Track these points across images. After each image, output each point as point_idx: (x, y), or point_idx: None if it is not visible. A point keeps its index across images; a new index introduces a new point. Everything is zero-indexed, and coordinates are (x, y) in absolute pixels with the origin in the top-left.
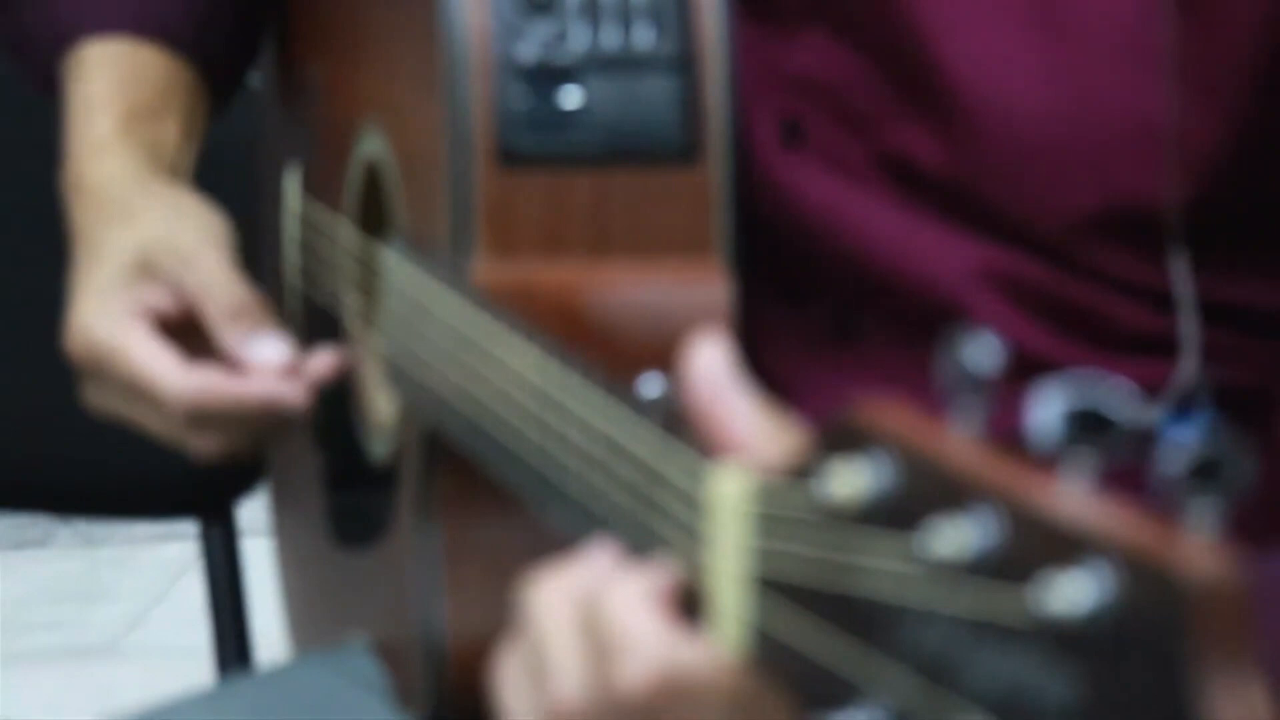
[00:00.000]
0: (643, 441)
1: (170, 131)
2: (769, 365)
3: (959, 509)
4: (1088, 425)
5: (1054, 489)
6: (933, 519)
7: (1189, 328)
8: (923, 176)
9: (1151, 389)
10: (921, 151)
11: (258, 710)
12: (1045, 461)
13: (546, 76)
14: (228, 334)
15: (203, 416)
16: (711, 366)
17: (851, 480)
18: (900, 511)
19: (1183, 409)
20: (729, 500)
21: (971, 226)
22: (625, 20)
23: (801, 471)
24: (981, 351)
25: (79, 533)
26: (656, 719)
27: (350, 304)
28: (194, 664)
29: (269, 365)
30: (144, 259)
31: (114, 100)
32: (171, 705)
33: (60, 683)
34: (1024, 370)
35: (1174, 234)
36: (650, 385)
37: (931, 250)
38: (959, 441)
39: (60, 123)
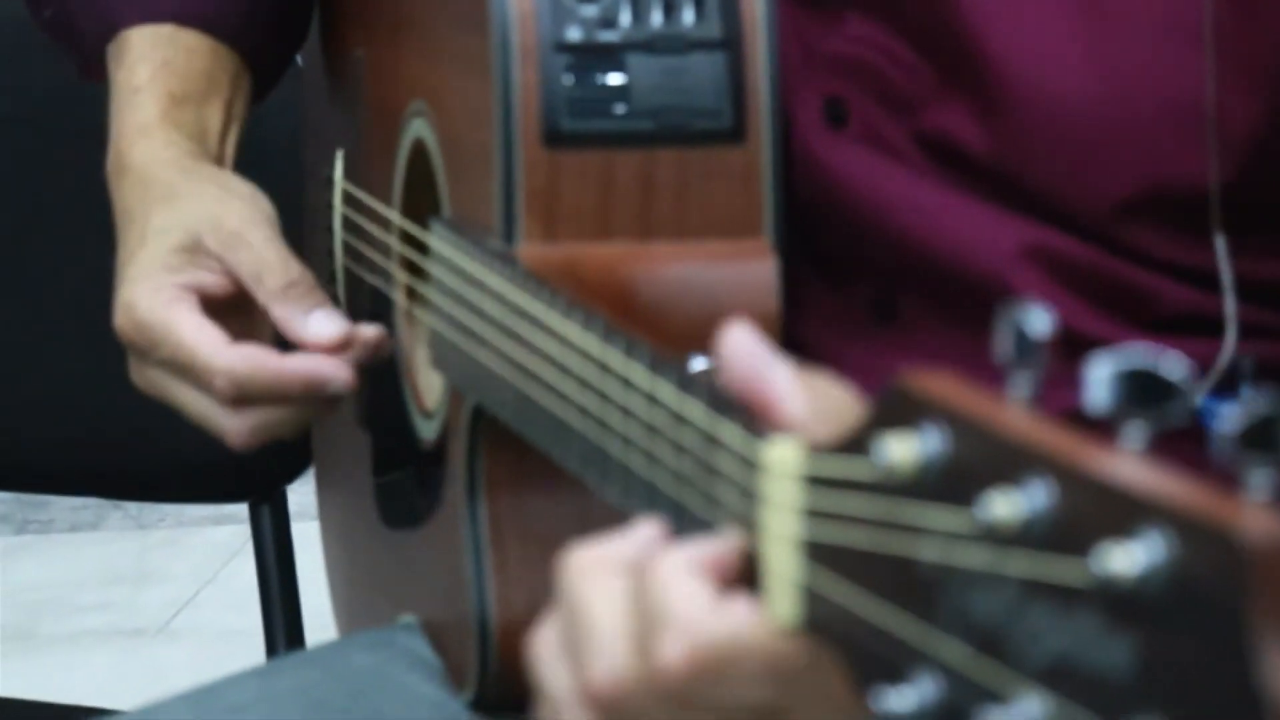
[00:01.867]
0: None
1: (214, 117)
2: (809, 345)
3: (1014, 476)
4: (1142, 389)
5: (1110, 455)
6: (988, 486)
7: (1232, 307)
8: (964, 157)
9: (1194, 368)
10: (963, 132)
11: (307, 688)
12: (1100, 430)
13: (592, 57)
14: (282, 310)
15: (246, 393)
16: (746, 346)
17: (906, 448)
18: (955, 479)
19: (1224, 388)
20: (782, 467)
21: (1013, 207)
22: (669, 1)
23: (856, 440)
24: (1034, 319)
25: (130, 515)
26: (697, 702)
27: (398, 285)
28: (245, 646)
29: (325, 340)
30: (190, 239)
31: (158, 85)
32: (220, 683)
33: (112, 664)
34: (1067, 349)
35: (1215, 214)
36: (696, 366)
37: (973, 230)
38: (1012, 410)
39: (104, 110)
